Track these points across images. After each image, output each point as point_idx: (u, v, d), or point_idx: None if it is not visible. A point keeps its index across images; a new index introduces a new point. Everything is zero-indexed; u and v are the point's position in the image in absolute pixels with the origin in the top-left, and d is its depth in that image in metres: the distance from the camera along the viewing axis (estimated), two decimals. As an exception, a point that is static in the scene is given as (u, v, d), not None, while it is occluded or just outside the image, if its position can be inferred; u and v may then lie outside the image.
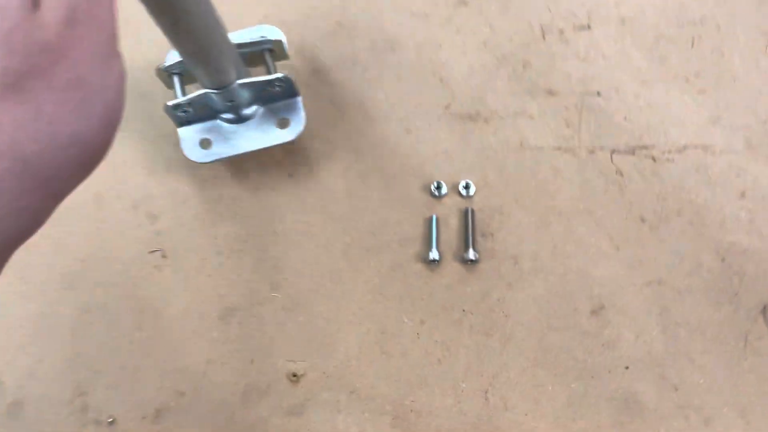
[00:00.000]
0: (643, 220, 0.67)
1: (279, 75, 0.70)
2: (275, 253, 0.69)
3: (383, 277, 0.67)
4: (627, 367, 0.63)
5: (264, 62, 0.70)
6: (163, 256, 0.70)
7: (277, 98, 0.73)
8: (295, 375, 0.65)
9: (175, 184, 0.72)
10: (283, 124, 0.73)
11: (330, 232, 0.69)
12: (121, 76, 0.29)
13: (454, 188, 0.70)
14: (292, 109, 0.73)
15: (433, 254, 0.66)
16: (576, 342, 0.63)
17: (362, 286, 0.67)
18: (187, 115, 0.71)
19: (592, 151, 0.70)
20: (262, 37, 0.69)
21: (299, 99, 0.73)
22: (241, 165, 0.73)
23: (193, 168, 0.73)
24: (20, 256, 0.30)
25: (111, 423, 0.65)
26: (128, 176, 0.73)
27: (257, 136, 0.73)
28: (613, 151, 0.70)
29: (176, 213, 0.71)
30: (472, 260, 0.66)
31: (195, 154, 0.73)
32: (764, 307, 0.63)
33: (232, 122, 0.74)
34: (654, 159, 0.69)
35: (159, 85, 0.67)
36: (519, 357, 0.64)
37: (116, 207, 0.72)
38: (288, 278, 0.68)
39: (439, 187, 0.69)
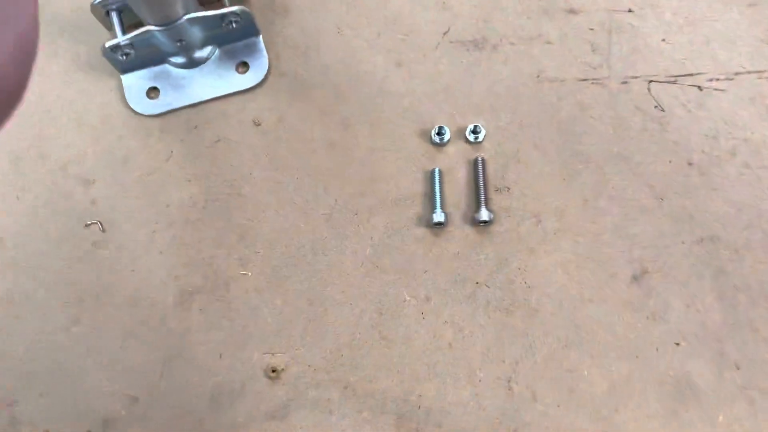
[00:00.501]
0: (690, 164, 0.55)
1: (234, 8, 0.56)
2: (242, 221, 0.56)
3: (377, 246, 0.55)
4: (678, 344, 0.52)
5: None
6: (102, 231, 0.56)
7: (234, 37, 0.60)
8: (274, 370, 0.53)
9: (114, 141, 0.58)
10: (242, 67, 0.59)
11: (309, 192, 0.56)
12: (35, 3, 0.27)
13: (459, 134, 0.57)
14: (252, 50, 0.60)
15: (438, 216, 0.54)
16: (615, 315, 0.52)
17: (351, 257, 0.55)
18: (129, 59, 0.58)
19: (625, 82, 0.57)
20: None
21: (260, 38, 0.60)
22: (195, 116, 0.59)
23: (138, 121, 0.59)
24: None
25: (48, 439, 0.53)
26: (54, 131, 0.58)
27: (214, 82, 0.60)
28: (650, 81, 0.57)
29: (116, 176, 0.58)
30: (485, 221, 0.53)
31: (141, 105, 0.60)
32: (839, 264, 0.52)
33: (183, 67, 0.60)
34: (700, 88, 0.57)
35: (97, 24, 0.53)
36: (547, 337, 0.52)
37: (39, 170, 0.57)
38: (259, 252, 0.55)
39: (440, 133, 0.56)
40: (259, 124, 0.58)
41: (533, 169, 0.56)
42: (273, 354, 0.53)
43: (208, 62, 0.60)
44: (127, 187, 0.57)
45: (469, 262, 0.54)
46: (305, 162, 0.57)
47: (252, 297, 0.54)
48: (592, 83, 0.57)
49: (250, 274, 0.55)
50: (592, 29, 0.58)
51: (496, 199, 0.55)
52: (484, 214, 0.53)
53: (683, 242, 0.53)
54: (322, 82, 0.59)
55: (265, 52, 0.60)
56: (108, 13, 0.57)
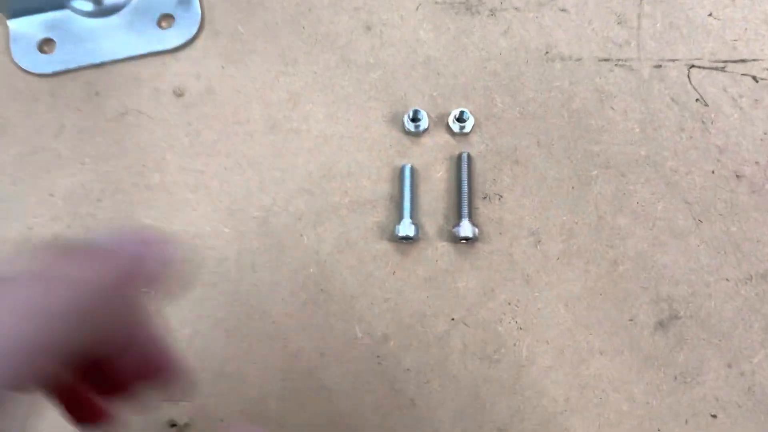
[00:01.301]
0: (738, 177, 0.42)
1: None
2: (148, 221, 0.42)
3: (324, 263, 0.41)
4: (714, 416, 0.39)
5: None
6: (-41, 225, 0.42)
7: (156, -25, 0.46)
8: (174, 425, 0.39)
9: (-14, 106, 0.45)
10: (166, 21, 0.46)
11: (239, 187, 0.43)
12: None
13: (440, 121, 0.43)
14: (181, -6, 0.46)
15: (406, 228, 0.40)
16: (632, 373, 0.39)
17: (289, 277, 0.41)
18: (17, -2, 0.44)
19: (658, 66, 0.44)
20: None
21: (189, -24, 0.46)
22: (98, 79, 0.45)
23: (23, 80, 0.45)
24: None
25: None
26: None
27: (127, 37, 0.46)
28: (691, 66, 0.44)
29: (-16, 153, 0.44)
30: (467, 238, 0.40)
31: (29, 59, 0.46)
32: None
33: (90, 15, 0.47)
34: (756, 79, 0.44)
35: None
36: (541, 398, 0.39)
37: None
38: (167, 263, 0.41)
39: (416, 119, 0.43)
40: (180, 95, 0.45)
41: (534, 173, 0.42)
42: (175, 402, 0.40)
43: (123, 11, 0.47)
44: (0, 168, 0.43)
45: (443, 290, 0.41)
46: (237, 148, 0.43)
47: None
48: (617, 65, 0.44)
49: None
50: (619, -4, 0.45)
51: (484, 210, 0.42)
52: (466, 229, 0.40)
53: (727, 279, 0.40)
54: (266, 46, 0.45)
55: (197, 3, 0.46)
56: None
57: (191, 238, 0.42)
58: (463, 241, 0.41)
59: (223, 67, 0.45)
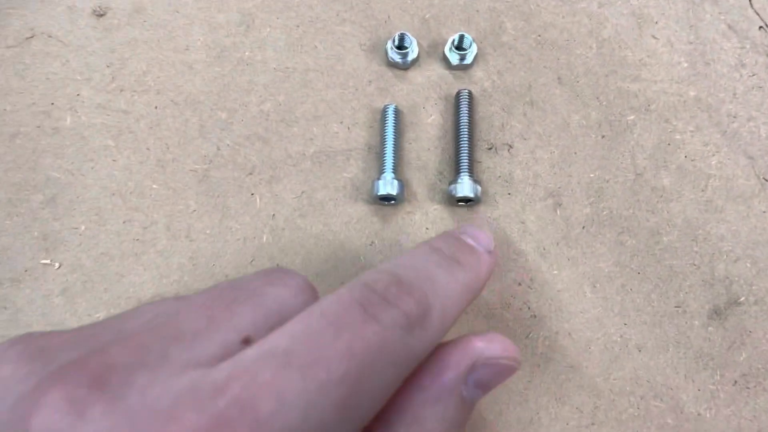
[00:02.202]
0: (814, 126, 0.33)
1: None
2: (55, 173, 0.33)
3: (281, 231, 0.32)
4: (786, 431, 0.30)
5: None
6: None
7: None
8: None
9: None
10: None
11: (173, 131, 0.33)
12: None
13: (434, 50, 0.34)
14: None
15: (386, 185, 0.31)
16: (680, 374, 0.30)
17: (236, 246, 0.32)
18: None
19: (712, -15, 0.34)
20: None
21: None
22: (-4, -8, 0.35)
23: None
24: None
25: None
26: None
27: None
28: (753, -13, 0.34)
29: None
30: (468, 199, 0.31)
31: None
32: None
33: None
34: (836, 4, 0.34)
35: None
36: (562, 406, 0.30)
37: None
38: (79, 227, 0.32)
39: (402, 46, 0.33)
40: (101, 15, 0.35)
41: (554, 118, 0.33)
42: (81, 409, 0.30)
43: None
44: None
45: (435, 267, 0.31)
46: (172, 81, 0.34)
47: (57, 306, 0.31)
48: (659, -17, 0.35)
49: (58, 265, 0.32)
50: None
51: (489, 164, 0.32)
52: (465, 187, 0.31)
53: (801, 255, 0.31)
54: (213, -47, 0.36)
55: None
56: None
57: (110, 195, 0.32)
58: (462, 204, 0.32)
59: (156, -20, 0.35)
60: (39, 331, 0.19)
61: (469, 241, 0.25)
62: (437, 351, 0.22)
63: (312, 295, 0.22)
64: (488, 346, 0.22)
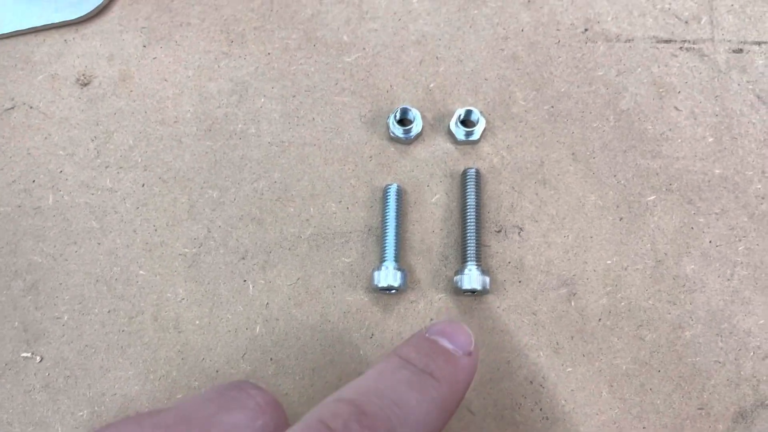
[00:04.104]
0: None
1: None
2: (37, 257, 0.31)
3: (275, 321, 0.30)
4: None
5: None
6: None
7: None
8: None
9: None
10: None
11: (162, 211, 0.31)
12: None
13: (439, 124, 0.32)
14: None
15: (387, 275, 0.29)
16: (703, 483, 0.28)
17: (228, 339, 0.30)
18: None
19: (739, 50, 0.32)
20: None
21: None
22: (-24, 58, 0.34)
23: None
24: None
25: None
26: None
27: (15, 4, 0.34)
28: (784, 52, 0.32)
29: None
30: (475, 290, 0.29)
31: None
32: None
33: None
34: None
35: None
36: None
37: None
38: (62, 317, 0.31)
39: (405, 121, 0.31)
40: (86, 84, 0.33)
41: (568, 198, 0.31)
42: None
43: (14, -31, 0.35)
44: None
45: (439, 363, 0.29)
46: (160, 157, 0.32)
47: (39, 403, 0.29)
48: (682, 49, 0.32)
49: (39, 358, 0.30)
50: (685, -47, 0.33)
51: (498, 249, 0.30)
52: (473, 279, 0.29)
53: (835, 352, 0.29)
54: (203, 16, 0.33)
55: (111, -42, 0.34)
56: None
57: (94, 282, 0.30)
58: (468, 294, 0.29)
59: (144, 46, 0.33)
60: None
61: (445, 343, 0.23)
62: None
63: (274, 416, 0.20)
64: None
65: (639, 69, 0.32)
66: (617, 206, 0.31)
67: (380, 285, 0.29)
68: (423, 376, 0.21)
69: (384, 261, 0.29)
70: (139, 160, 0.32)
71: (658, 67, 0.32)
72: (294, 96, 0.32)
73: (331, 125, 0.32)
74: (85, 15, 0.33)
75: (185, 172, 0.32)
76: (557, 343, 0.29)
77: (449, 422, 0.25)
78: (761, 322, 0.29)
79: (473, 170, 0.30)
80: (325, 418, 0.18)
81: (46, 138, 0.32)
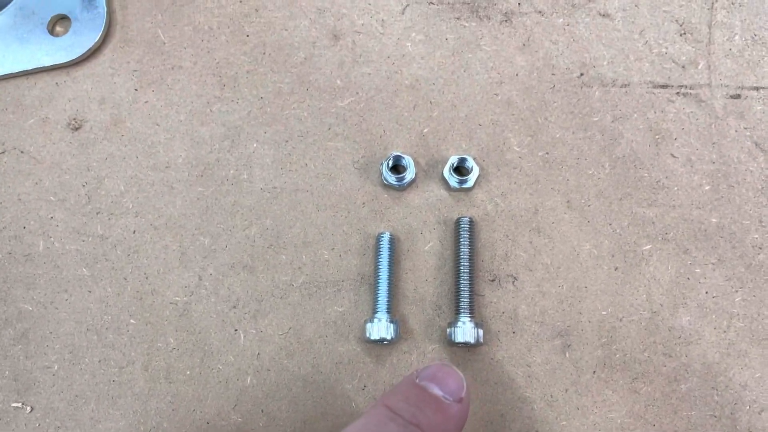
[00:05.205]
0: None
1: None
2: (27, 306, 0.31)
3: (267, 372, 0.30)
4: None
5: None
6: None
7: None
8: None
9: None
10: (61, 25, 0.34)
11: (153, 259, 0.31)
12: None
13: (432, 170, 0.32)
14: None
15: (381, 327, 0.28)
16: None
17: (218, 392, 0.30)
18: None
19: (736, 95, 0.32)
20: None
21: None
22: (-33, 101, 0.33)
23: None
24: None
25: None
26: None
27: (7, 48, 0.34)
28: (782, 97, 0.32)
29: None
30: (467, 344, 0.28)
31: None
32: None
33: None
34: None
35: None
36: None
37: None
38: (53, 367, 0.30)
39: (398, 168, 0.31)
40: (77, 128, 0.33)
41: (562, 247, 0.30)
42: None
43: (5, 12, 0.34)
44: None
45: (432, 416, 0.29)
46: (152, 202, 0.32)
47: (29, 452, 0.29)
48: (679, 94, 0.32)
49: (29, 409, 0.30)
50: (683, -4, 0.33)
51: (492, 298, 0.30)
52: (466, 332, 0.28)
53: (833, 406, 0.29)
54: (196, 60, 0.33)
55: (102, 1, 0.34)
56: None
57: (84, 331, 0.30)
58: (461, 346, 0.29)
59: (136, 90, 0.33)
60: None
61: (435, 390, 0.23)
62: None
63: None
64: None
65: (635, 115, 0.32)
66: (612, 255, 0.30)
67: (373, 337, 0.29)
68: (410, 429, 0.21)
69: (376, 312, 0.29)
70: (131, 206, 0.32)
71: (655, 112, 0.32)
72: (287, 141, 0.32)
73: (323, 171, 0.32)
74: (77, 58, 0.33)
75: (177, 219, 0.31)
76: (551, 396, 0.29)
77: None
78: (757, 375, 0.29)
79: (467, 219, 0.30)
80: None
81: (36, 183, 0.32)
